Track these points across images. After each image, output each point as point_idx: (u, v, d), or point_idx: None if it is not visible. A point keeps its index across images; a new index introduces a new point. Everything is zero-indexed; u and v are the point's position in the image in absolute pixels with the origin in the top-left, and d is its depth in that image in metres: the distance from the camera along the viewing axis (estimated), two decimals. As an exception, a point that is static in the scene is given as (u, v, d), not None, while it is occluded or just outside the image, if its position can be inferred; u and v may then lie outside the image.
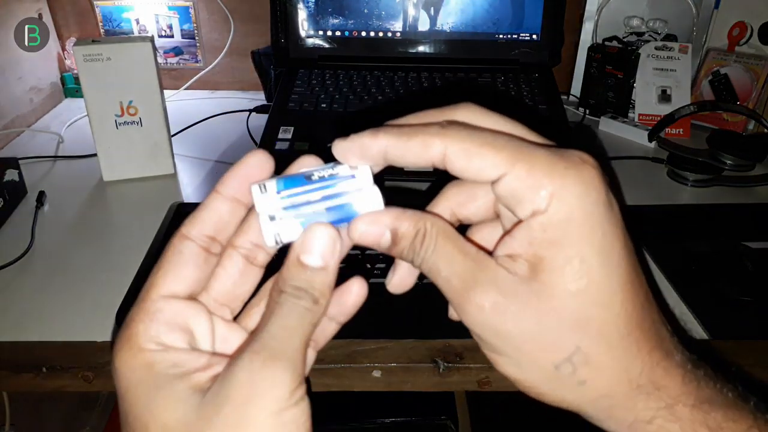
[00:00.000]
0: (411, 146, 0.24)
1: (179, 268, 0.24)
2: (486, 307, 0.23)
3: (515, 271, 0.23)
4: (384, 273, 0.55)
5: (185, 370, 0.23)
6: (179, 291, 0.24)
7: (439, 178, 0.27)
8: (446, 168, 0.24)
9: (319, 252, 0.24)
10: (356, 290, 0.28)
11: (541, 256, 0.22)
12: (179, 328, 0.24)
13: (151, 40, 0.70)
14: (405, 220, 0.24)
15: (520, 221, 0.23)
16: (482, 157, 0.23)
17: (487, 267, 0.23)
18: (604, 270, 0.22)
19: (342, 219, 0.25)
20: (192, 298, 0.25)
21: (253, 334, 0.23)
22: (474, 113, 0.26)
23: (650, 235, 0.64)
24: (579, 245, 0.22)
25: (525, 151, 0.23)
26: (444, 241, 0.24)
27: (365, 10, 0.87)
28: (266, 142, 0.75)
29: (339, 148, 0.25)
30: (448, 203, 0.28)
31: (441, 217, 0.26)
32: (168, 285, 0.24)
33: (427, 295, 0.54)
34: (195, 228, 0.25)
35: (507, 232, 0.24)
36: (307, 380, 0.24)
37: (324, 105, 0.81)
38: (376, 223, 0.24)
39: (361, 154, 0.24)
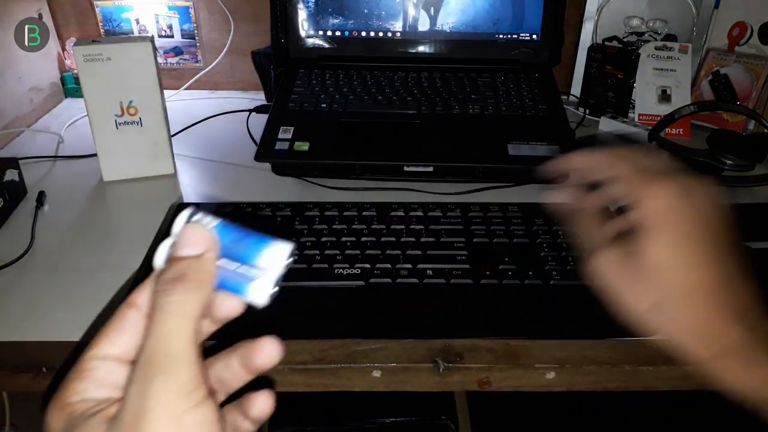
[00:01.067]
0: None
1: (118, 334, 0.26)
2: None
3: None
4: (384, 273, 0.55)
5: (101, 408, 0.24)
6: (115, 353, 0.26)
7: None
8: None
9: (193, 243, 0.25)
10: (267, 352, 0.28)
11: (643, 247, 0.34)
12: (109, 385, 0.25)
13: (151, 40, 0.70)
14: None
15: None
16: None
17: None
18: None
19: (232, 287, 0.27)
20: (131, 360, 0.26)
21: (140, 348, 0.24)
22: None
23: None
24: (677, 228, 0.33)
25: (639, 175, 0.35)
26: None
27: (365, 10, 0.87)
28: (266, 142, 0.75)
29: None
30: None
31: None
32: (104, 347, 0.26)
33: (427, 295, 0.54)
34: (141, 297, 0.26)
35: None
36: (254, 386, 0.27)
37: (324, 105, 0.81)
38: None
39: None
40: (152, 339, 0.23)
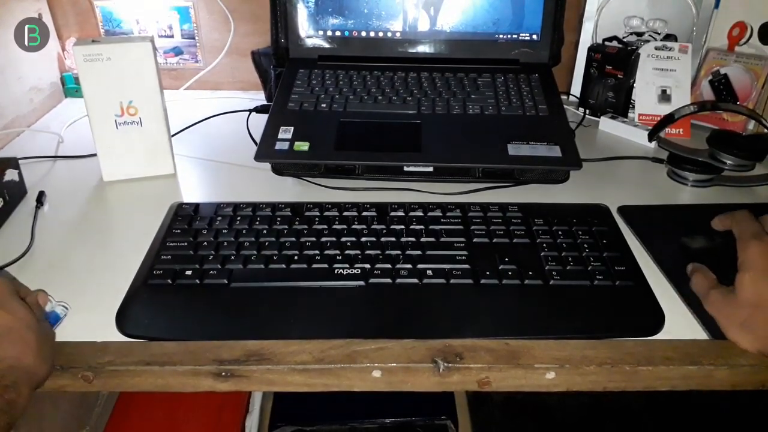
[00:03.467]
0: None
1: None
2: None
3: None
4: (384, 273, 0.55)
5: None
6: None
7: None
8: None
9: None
10: None
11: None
12: None
13: (151, 40, 0.70)
14: None
15: None
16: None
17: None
18: None
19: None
20: None
21: None
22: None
23: (650, 235, 0.64)
24: None
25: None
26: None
27: (365, 10, 0.87)
28: (266, 142, 0.75)
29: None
30: None
31: None
32: None
33: (427, 295, 0.54)
34: None
35: None
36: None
37: (324, 105, 0.81)
38: None
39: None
40: None
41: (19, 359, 0.42)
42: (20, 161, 0.72)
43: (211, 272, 0.55)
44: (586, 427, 0.94)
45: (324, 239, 0.59)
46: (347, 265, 0.56)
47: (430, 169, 0.74)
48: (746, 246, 0.50)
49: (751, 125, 0.91)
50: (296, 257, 0.57)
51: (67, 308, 0.52)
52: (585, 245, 0.59)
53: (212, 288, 0.54)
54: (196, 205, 0.65)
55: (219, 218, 0.62)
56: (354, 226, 0.61)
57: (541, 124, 0.79)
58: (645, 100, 0.93)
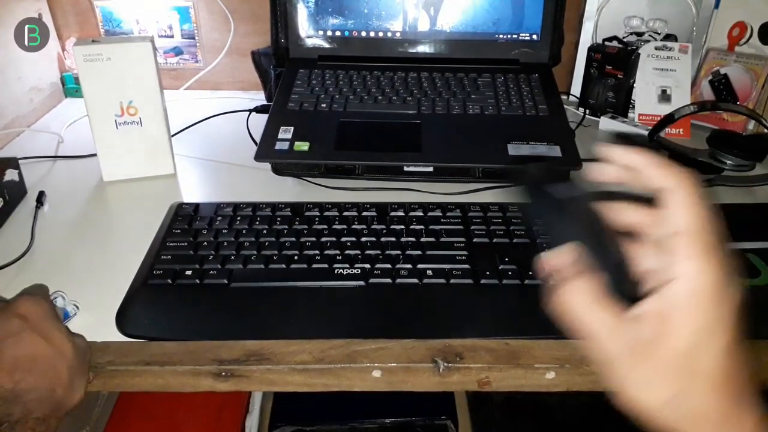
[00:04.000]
0: (651, 174, 0.36)
1: None
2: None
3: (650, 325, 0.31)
4: (384, 273, 0.55)
5: None
6: None
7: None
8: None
9: None
10: None
11: (670, 316, 0.30)
12: None
13: (151, 40, 0.70)
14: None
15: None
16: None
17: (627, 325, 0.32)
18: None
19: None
20: None
21: None
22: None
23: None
24: (701, 311, 0.30)
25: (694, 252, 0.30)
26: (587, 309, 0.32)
27: (365, 10, 0.87)
28: (266, 142, 0.75)
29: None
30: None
31: None
32: None
33: (427, 295, 0.54)
34: None
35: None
36: None
37: (324, 105, 0.81)
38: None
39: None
40: None
41: (51, 390, 0.41)
42: (20, 161, 0.72)
43: (211, 272, 0.55)
44: (586, 427, 0.94)
45: (324, 239, 0.59)
46: (347, 265, 0.56)
47: (430, 169, 0.74)
48: (686, 265, 0.30)
49: (751, 125, 0.91)
50: (296, 257, 0.57)
51: (77, 307, 0.52)
52: (585, 245, 0.59)
53: (212, 288, 0.54)
54: (196, 205, 0.65)
55: (219, 218, 0.62)
56: (354, 226, 0.61)
57: (541, 124, 0.79)
58: (645, 100, 0.93)
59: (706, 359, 0.30)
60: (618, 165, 0.35)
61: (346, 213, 0.63)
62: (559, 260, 0.33)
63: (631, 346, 0.30)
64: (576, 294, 0.31)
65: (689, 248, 0.30)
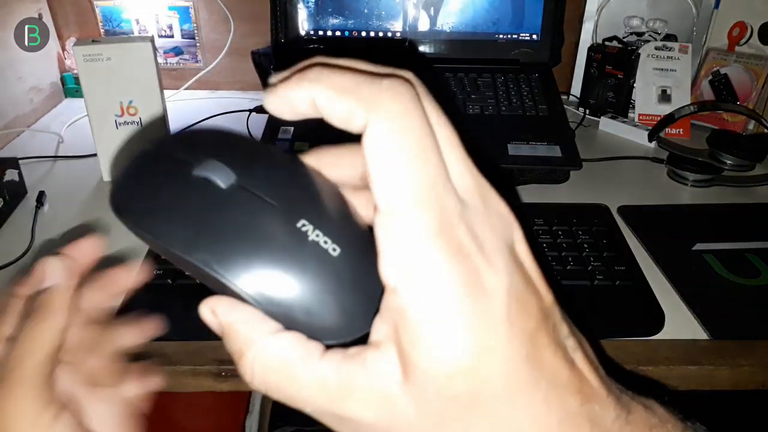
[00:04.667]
0: (338, 109, 0.20)
1: (6, 319, 0.28)
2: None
3: (385, 371, 0.19)
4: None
5: None
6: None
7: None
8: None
9: (39, 277, 0.28)
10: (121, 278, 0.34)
11: (410, 356, 0.18)
12: None
13: (151, 40, 0.70)
14: (234, 334, 0.20)
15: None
16: (385, 170, 0.18)
17: (355, 384, 0.19)
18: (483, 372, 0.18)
19: None
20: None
21: None
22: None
23: (650, 235, 0.64)
24: (449, 346, 0.18)
25: (419, 203, 0.18)
26: (285, 378, 0.19)
27: (365, 10, 0.87)
28: (266, 142, 0.75)
29: (270, 106, 0.22)
30: (317, 161, 0.25)
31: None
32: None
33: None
34: (25, 289, 0.29)
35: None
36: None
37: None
38: (215, 314, 0.21)
39: (291, 111, 0.22)
40: (9, 358, 0.26)
41: None
42: (20, 161, 0.72)
43: (211, 272, 0.55)
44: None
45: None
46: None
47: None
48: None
49: (751, 125, 0.91)
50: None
51: None
52: (585, 245, 0.59)
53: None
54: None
55: (219, 218, 0.62)
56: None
57: (541, 124, 0.79)
58: (645, 100, 0.93)
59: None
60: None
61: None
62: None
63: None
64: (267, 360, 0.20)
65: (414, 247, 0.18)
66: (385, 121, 0.18)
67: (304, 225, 0.20)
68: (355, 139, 0.20)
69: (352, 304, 0.20)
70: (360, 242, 0.21)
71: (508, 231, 0.20)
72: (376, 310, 0.20)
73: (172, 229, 0.21)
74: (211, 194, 0.21)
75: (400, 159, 0.18)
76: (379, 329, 0.19)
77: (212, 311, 0.21)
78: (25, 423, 0.24)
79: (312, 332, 0.20)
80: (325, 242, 0.20)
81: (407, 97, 0.18)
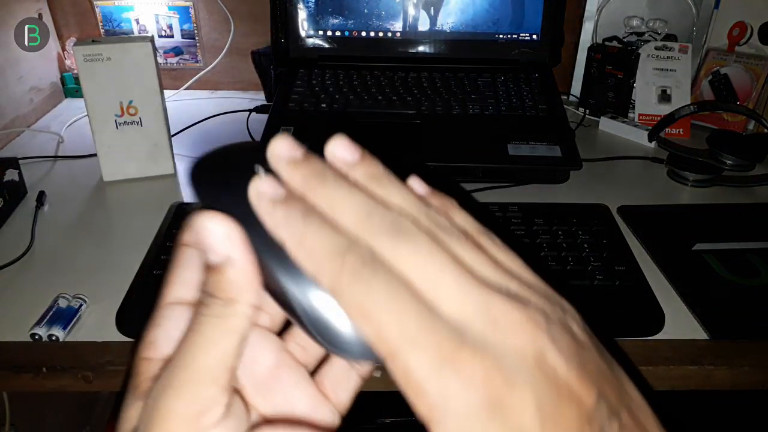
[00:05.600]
0: (306, 267, 0.20)
1: (183, 272, 0.23)
2: None
3: None
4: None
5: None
6: (186, 296, 0.23)
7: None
8: None
9: (215, 245, 0.20)
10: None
11: None
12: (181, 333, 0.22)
13: (151, 40, 0.70)
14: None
15: None
16: (365, 327, 0.19)
17: None
18: None
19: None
20: None
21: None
22: (396, 242, 0.19)
23: (650, 235, 0.64)
24: None
25: (410, 340, 0.18)
26: None
27: (365, 10, 0.87)
28: (266, 142, 0.75)
29: (252, 198, 0.21)
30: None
31: None
32: (173, 291, 0.23)
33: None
34: (190, 236, 0.24)
35: None
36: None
37: (324, 105, 0.81)
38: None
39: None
40: (180, 351, 0.21)
41: None
42: (20, 161, 0.72)
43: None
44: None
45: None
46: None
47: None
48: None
49: (751, 125, 0.91)
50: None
51: (85, 300, 0.52)
52: (585, 245, 0.59)
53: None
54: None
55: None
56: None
57: (541, 124, 0.79)
58: (645, 100, 0.94)
59: None
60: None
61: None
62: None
63: None
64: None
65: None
66: (350, 298, 0.19)
67: None
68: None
69: None
70: None
71: (528, 345, 0.18)
72: None
73: (236, 210, 0.21)
74: None
75: (379, 320, 0.18)
76: None
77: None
78: (178, 427, 0.20)
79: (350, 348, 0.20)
80: None
81: (368, 269, 0.19)
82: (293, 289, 0.20)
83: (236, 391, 0.22)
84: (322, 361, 0.26)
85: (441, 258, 0.19)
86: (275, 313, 0.25)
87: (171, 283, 0.24)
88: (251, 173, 0.21)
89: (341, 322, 0.20)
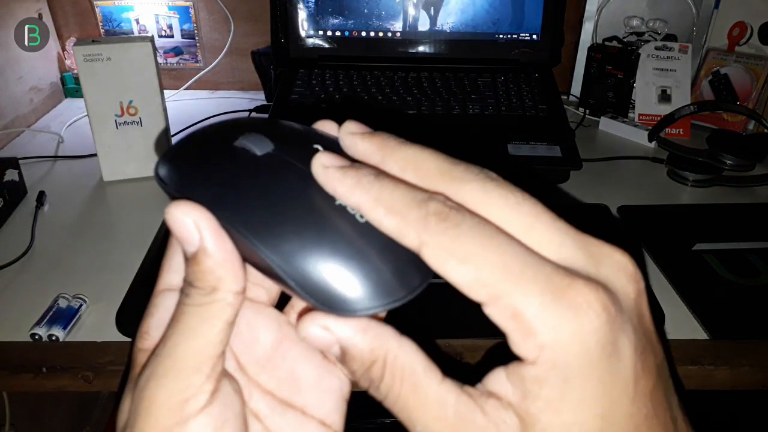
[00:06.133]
0: (386, 225, 0.19)
1: (173, 258, 0.23)
2: None
3: (504, 425, 0.18)
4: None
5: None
6: (177, 282, 0.23)
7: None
8: None
9: (187, 237, 0.20)
10: None
11: (536, 418, 0.18)
12: None
13: (151, 40, 0.70)
14: (362, 340, 0.20)
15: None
16: (458, 274, 0.18)
17: (472, 422, 0.19)
18: None
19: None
20: None
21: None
22: (485, 188, 0.19)
23: (650, 235, 0.64)
24: (579, 411, 0.18)
25: (515, 278, 0.17)
26: (410, 388, 0.19)
27: (365, 10, 0.87)
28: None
29: (316, 174, 0.21)
30: None
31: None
32: (165, 278, 0.23)
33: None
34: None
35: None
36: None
37: (324, 105, 0.81)
38: (329, 329, 0.20)
39: (333, 194, 0.21)
40: (165, 339, 0.20)
41: None
42: (20, 161, 0.72)
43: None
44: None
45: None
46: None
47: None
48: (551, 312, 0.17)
49: (751, 125, 0.91)
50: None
51: (85, 300, 0.52)
52: (585, 245, 0.59)
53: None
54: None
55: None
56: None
57: (541, 124, 0.79)
58: (645, 100, 0.94)
59: None
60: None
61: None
62: None
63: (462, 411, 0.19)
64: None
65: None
66: (438, 248, 0.18)
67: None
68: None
69: (386, 267, 0.20)
70: None
71: (631, 285, 0.19)
72: (410, 281, 0.20)
73: (205, 192, 0.21)
74: (246, 162, 0.21)
75: (476, 262, 0.17)
76: (503, 386, 0.19)
77: (325, 328, 0.20)
78: (162, 416, 0.20)
79: (346, 298, 0.20)
80: (351, 210, 0.20)
81: (452, 216, 0.18)
82: (278, 259, 0.20)
83: (227, 375, 0.22)
84: None
85: (533, 202, 0.19)
86: (271, 287, 0.25)
87: (163, 269, 0.23)
88: (214, 153, 0.22)
89: (334, 282, 0.19)
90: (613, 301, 0.18)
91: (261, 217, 0.20)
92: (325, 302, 0.19)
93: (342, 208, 0.20)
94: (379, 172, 0.20)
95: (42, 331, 0.49)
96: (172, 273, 0.23)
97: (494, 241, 0.18)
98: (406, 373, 0.19)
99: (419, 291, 0.21)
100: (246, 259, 0.21)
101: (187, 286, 0.20)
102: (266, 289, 0.25)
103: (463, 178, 0.19)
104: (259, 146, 0.22)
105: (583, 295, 0.17)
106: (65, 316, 0.50)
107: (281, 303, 0.26)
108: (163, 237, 0.60)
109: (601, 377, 0.17)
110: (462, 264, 0.17)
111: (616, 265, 0.19)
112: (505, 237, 0.18)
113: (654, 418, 0.18)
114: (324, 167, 0.20)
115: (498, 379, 0.19)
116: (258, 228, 0.20)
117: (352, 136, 0.22)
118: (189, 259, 0.20)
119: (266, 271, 0.21)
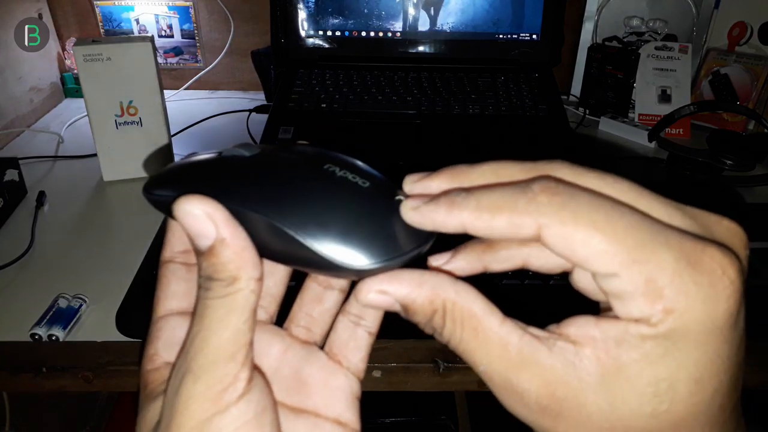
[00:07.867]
0: (497, 226, 0.19)
1: (169, 288, 0.24)
2: (536, 411, 0.19)
3: (577, 364, 0.18)
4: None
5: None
6: (175, 307, 0.24)
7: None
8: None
9: (201, 230, 0.20)
10: None
11: (623, 365, 0.17)
12: (178, 342, 0.22)
13: (151, 40, 0.70)
14: (419, 294, 0.20)
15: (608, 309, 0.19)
16: (587, 246, 0.17)
17: (537, 361, 0.18)
18: (693, 400, 0.18)
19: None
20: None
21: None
22: (576, 172, 0.19)
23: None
24: (675, 370, 0.17)
25: (647, 245, 0.17)
26: (471, 331, 0.19)
27: (365, 10, 0.87)
28: (266, 142, 0.75)
29: (411, 218, 0.21)
30: (473, 251, 0.24)
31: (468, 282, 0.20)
32: (163, 305, 0.24)
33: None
34: (167, 251, 0.25)
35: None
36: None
37: (324, 105, 0.81)
38: (386, 291, 0.20)
39: (434, 228, 0.20)
40: (190, 336, 0.21)
41: None
42: (20, 161, 0.72)
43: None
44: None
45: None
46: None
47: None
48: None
49: (751, 125, 0.91)
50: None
51: (85, 300, 0.52)
52: (585, 245, 0.59)
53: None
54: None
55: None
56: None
57: (541, 124, 0.79)
58: (645, 100, 0.94)
59: None
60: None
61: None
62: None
63: (558, 395, 0.18)
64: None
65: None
66: (560, 224, 0.17)
67: (329, 167, 0.22)
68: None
69: (397, 222, 0.21)
70: (382, 180, 0.23)
71: (744, 251, 0.19)
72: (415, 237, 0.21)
73: (207, 189, 0.21)
74: (239, 161, 0.23)
75: (605, 231, 0.17)
76: (589, 330, 0.18)
77: (382, 292, 0.20)
78: (199, 408, 0.20)
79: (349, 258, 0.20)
80: (353, 177, 0.22)
81: (562, 189, 0.18)
82: (295, 229, 0.20)
83: (256, 368, 0.22)
84: (328, 333, 0.26)
85: (629, 181, 0.19)
86: (268, 305, 0.26)
87: (160, 299, 0.24)
88: (205, 163, 0.23)
89: (351, 239, 0.20)
90: (741, 268, 0.18)
91: (269, 197, 0.21)
92: (345, 259, 0.20)
93: (343, 178, 0.21)
94: (463, 189, 0.20)
95: (42, 331, 0.49)
96: (170, 299, 0.24)
97: (617, 210, 0.17)
98: (466, 318, 0.19)
99: (432, 241, 0.22)
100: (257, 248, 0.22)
101: (205, 281, 0.20)
102: (264, 307, 0.26)
103: (548, 169, 0.19)
104: (248, 150, 0.23)
105: (717, 261, 0.17)
106: (65, 316, 0.50)
107: (281, 316, 0.27)
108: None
109: (715, 345, 0.18)
110: (592, 236, 0.17)
111: (727, 231, 0.19)
112: (625, 206, 0.18)
113: (734, 392, 0.19)
114: (415, 209, 0.20)
115: (582, 323, 0.19)
116: (270, 206, 0.21)
117: (420, 182, 0.22)
118: (205, 253, 0.20)
119: (278, 253, 0.22)
